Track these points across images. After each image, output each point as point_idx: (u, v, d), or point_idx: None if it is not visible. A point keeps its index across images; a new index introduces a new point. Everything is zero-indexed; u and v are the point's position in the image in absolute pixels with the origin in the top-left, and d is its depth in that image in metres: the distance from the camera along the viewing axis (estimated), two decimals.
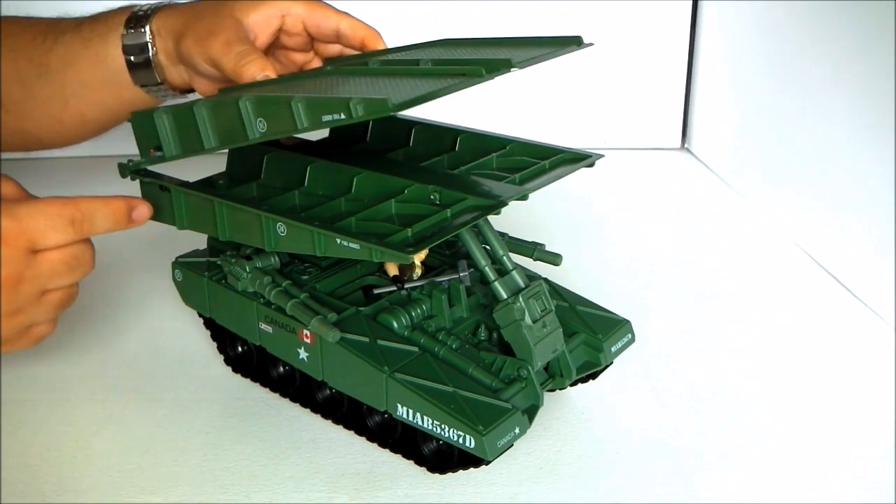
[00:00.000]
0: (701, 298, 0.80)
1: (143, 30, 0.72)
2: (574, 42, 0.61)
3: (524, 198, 0.56)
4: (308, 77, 0.61)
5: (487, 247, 0.59)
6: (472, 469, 0.56)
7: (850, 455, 0.61)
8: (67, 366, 0.68)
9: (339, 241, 0.52)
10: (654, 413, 0.64)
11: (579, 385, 0.65)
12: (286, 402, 0.64)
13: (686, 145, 1.16)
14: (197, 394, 0.65)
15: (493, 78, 0.52)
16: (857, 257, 0.81)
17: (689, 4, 1.10)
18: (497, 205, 0.54)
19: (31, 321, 0.55)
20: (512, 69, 0.53)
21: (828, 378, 0.69)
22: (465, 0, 1.07)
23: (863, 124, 0.79)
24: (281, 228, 0.55)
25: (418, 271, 0.61)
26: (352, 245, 0.51)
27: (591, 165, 0.61)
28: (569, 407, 0.65)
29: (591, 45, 0.61)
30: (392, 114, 0.47)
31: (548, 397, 0.64)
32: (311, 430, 0.61)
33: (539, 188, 0.57)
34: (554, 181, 0.59)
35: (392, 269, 0.62)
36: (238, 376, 0.66)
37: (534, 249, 0.67)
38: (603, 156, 0.62)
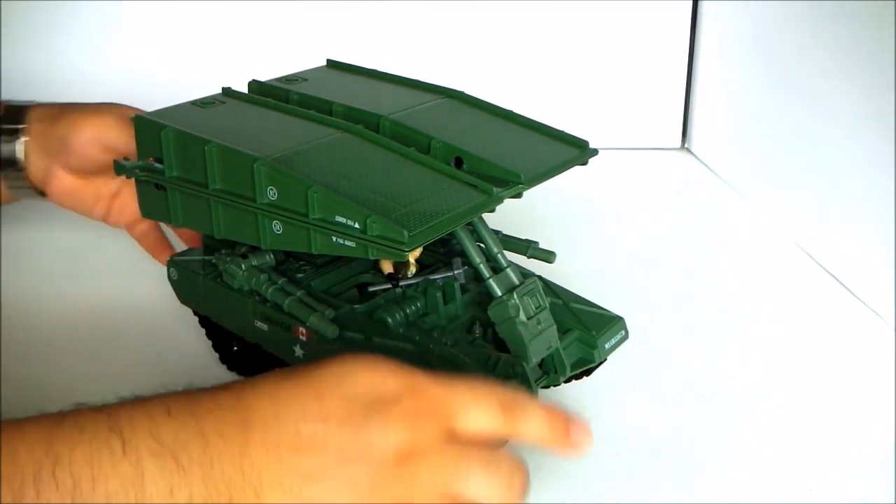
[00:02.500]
0: (701, 298, 0.80)
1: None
2: (580, 146, 0.62)
3: (519, 195, 0.56)
4: (323, 136, 0.59)
5: (482, 244, 0.59)
6: None
7: (850, 455, 0.60)
8: (65, 368, 0.68)
9: (334, 238, 0.52)
10: (654, 413, 0.64)
11: (575, 383, 0.65)
12: None
13: (686, 145, 1.16)
14: None
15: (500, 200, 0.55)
16: (857, 257, 0.81)
17: (689, 4, 1.10)
18: (492, 202, 0.54)
19: None
20: (520, 193, 0.56)
21: (828, 378, 0.69)
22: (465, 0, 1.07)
23: (863, 124, 0.79)
24: (276, 226, 0.55)
25: (413, 269, 0.61)
26: (347, 243, 0.51)
27: (585, 164, 0.61)
28: (568, 406, 0.64)
29: (595, 153, 0.62)
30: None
31: (545, 396, 0.64)
32: None
33: (534, 185, 0.57)
34: (548, 179, 0.58)
35: (387, 267, 0.62)
36: (234, 375, 0.66)
37: (528, 247, 0.67)
38: (597, 152, 0.62)
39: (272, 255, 0.62)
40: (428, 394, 0.43)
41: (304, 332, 0.58)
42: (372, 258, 0.52)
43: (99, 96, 0.77)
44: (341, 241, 0.52)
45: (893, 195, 0.74)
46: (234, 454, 0.41)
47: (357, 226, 0.50)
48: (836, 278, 0.83)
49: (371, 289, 0.61)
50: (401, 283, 0.61)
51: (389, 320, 0.58)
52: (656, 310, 0.77)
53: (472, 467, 0.42)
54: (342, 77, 0.72)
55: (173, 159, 0.58)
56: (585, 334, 0.60)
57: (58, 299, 0.76)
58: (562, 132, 0.63)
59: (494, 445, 0.45)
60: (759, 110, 1.00)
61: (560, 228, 0.92)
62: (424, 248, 0.60)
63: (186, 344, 0.70)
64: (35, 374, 0.67)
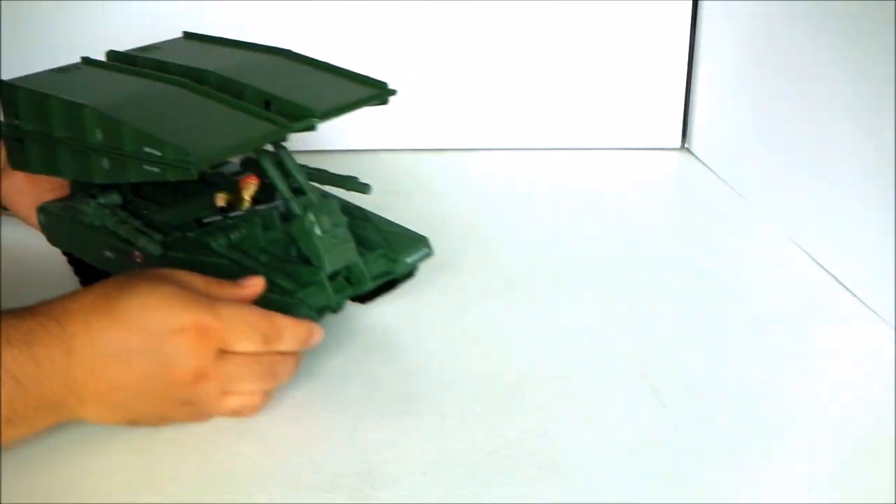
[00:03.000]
0: (701, 298, 0.80)
1: None
2: (379, 87, 0.69)
3: (311, 128, 0.64)
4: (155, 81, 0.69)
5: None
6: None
7: (850, 455, 0.61)
8: None
9: (145, 167, 0.61)
10: (654, 413, 0.64)
11: (573, 383, 0.65)
12: (285, 400, 0.64)
13: (686, 145, 1.16)
14: None
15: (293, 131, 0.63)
16: (857, 257, 0.81)
17: (689, 4, 1.10)
18: (280, 131, 0.62)
19: (202, 414, 0.59)
20: (313, 126, 0.64)
21: (827, 378, 0.69)
22: (466, 0, 1.07)
23: (864, 124, 0.79)
24: (105, 163, 0.64)
25: (246, 205, 0.69)
26: (154, 169, 0.60)
27: (384, 102, 0.68)
28: (568, 407, 0.65)
29: (394, 92, 0.68)
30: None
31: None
32: (311, 429, 0.61)
33: (328, 119, 0.64)
34: (343, 114, 0.66)
35: (220, 202, 0.69)
36: None
37: (345, 180, 0.74)
38: (395, 92, 0.68)
39: (119, 195, 0.71)
40: (208, 326, 0.56)
41: (139, 255, 0.67)
42: (172, 179, 0.59)
43: None
44: (149, 167, 0.60)
45: (893, 195, 0.74)
46: (60, 374, 0.54)
47: (159, 154, 0.59)
48: (836, 278, 0.83)
49: (205, 220, 0.68)
50: (230, 215, 0.68)
51: (213, 243, 0.66)
52: (656, 309, 0.78)
53: (239, 373, 0.58)
54: (193, 45, 0.80)
55: (27, 115, 0.68)
56: (388, 250, 0.69)
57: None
58: (365, 76, 0.71)
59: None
60: (759, 110, 1.00)
61: (560, 228, 0.92)
62: (259, 187, 0.69)
63: None
64: None
